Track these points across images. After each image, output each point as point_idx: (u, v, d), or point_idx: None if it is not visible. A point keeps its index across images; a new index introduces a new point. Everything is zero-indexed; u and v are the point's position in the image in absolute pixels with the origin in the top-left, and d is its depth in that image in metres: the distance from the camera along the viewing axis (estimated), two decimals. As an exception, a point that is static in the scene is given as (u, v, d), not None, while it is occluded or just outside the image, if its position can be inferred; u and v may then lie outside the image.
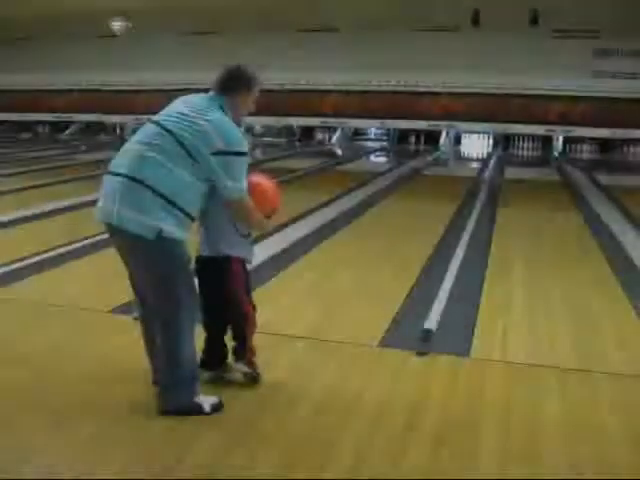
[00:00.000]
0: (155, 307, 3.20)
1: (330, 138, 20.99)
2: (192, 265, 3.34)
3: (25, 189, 10.05)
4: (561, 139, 18.73)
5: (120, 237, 3.16)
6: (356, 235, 7.56)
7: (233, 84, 3.30)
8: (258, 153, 19.59)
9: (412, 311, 4.83)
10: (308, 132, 21.52)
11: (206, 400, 3.21)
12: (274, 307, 4.78)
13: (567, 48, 17.37)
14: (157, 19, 17.58)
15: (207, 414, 3.16)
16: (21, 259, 5.88)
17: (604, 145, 18.75)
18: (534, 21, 16.06)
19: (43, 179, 10.65)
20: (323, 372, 3.78)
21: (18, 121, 23.01)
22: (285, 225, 7.76)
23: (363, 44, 18.78)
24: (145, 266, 3.20)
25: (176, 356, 3.16)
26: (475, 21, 16.14)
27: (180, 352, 3.16)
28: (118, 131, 21.79)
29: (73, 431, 3.05)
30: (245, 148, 3.19)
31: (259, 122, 21.47)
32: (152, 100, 21.17)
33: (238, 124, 3.28)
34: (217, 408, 3.21)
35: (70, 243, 6.41)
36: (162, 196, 3.05)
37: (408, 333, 4.35)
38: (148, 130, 3.19)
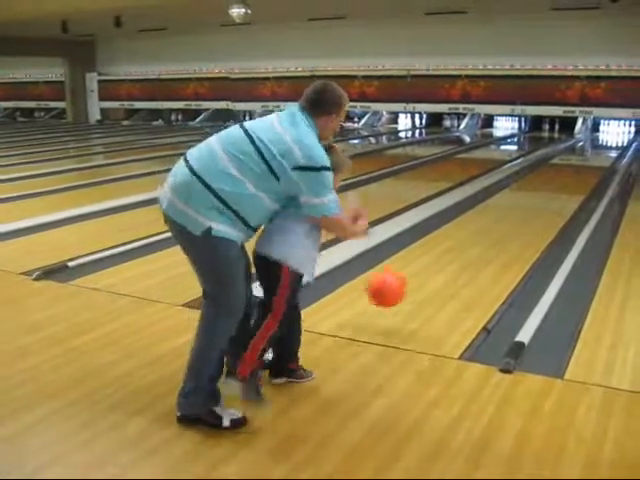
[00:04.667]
0: (206, 301, 3.09)
1: (459, 125, 20.29)
2: (248, 269, 3.15)
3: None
4: None
5: (169, 224, 3.04)
6: (463, 230, 7.03)
7: (324, 106, 3.12)
8: (384, 139, 19.39)
9: (507, 319, 4.34)
10: (436, 119, 20.94)
11: (227, 413, 2.99)
12: (351, 309, 4.46)
13: None
14: (281, 5, 17.49)
15: (225, 428, 2.94)
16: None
17: None
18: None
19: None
20: (388, 386, 3.40)
21: (150, 109, 23.89)
22: (394, 215, 7.46)
23: (493, 27, 17.88)
24: (193, 259, 3.07)
25: (203, 361, 3.01)
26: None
27: (209, 358, 3.01)
28: (247, 118, 22.08)
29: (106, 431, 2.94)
30: (327, 162, 3.01)
31: (386, 108, 21.17)
32: (278, 87, 21.66)
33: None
34: (238, 424, 2.97)
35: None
36: (223, 201, 2.91)
37: (497, 345, 3.87)
38: (234, 135, 3.04)
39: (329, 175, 3.02)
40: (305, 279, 3.20)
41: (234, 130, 3.07)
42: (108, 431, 2.97)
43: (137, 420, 3.05)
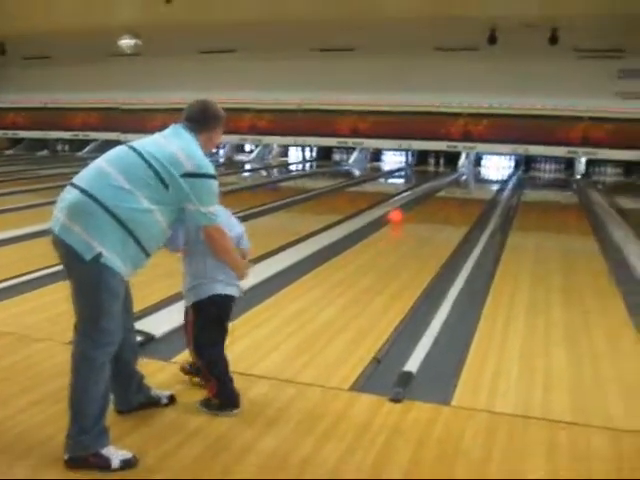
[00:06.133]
0: (77, 334, 2.98)
1: (348, 158, 20.72)
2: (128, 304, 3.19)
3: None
4: (584, 161, 18.19)
5: (59, 248, 2.96)
6: (353, 262, 7.15)
7: (207, 121, 3.29)
8: (275, 172, 19.52)
9: (396, 350, 4.42)
10: (326, 152, 21.33)
11: (116, 454, 2.90)
12: (241, 344, 4.43)
13: (589, 68, 16.89)
14: (172, 37, 17.44)
15: (115, 470, 2.85)
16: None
17: (628, 168, 18.10)
18: (554, 40, 15.63)
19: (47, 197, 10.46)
20: (280, 421, 3.38)
21: (36, 138, 23.13)
22: (284, 248, 7.50)
23: (381, 64, 18.46)
24: (75, 284, 2.99)
25: (83, 399, 2.91)
26: (492, 40, 15.80)
27: (89, 396, 2.91)
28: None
29: None
30: (213, 171, 3.13)
31: (276, 142, 21.36)
32: (169, 119, 21.30)
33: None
34: (129, 464, 2.89)
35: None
36: (117, 219, 2.88)
37: (386, 375, 3.94)
38: (119, 151, 3.10)
39: (216, 184, 3.13)
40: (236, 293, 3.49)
41: (119, 148, 3.12)
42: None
43: (22, 465, 2.90)
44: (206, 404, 3.44)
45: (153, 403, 3.45)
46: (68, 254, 2.91)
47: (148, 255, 3.07)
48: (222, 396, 3.42)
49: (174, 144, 3.07)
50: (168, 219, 3.08)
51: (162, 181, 2.97)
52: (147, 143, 3.11)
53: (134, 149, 3.05)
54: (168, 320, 4.70)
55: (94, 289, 2.91)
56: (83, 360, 2.93)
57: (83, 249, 2.86)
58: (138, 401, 3.40)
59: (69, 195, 2.96)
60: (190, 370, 3.73)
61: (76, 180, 3.01)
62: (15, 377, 3.85)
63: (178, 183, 2.98)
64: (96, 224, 2.87)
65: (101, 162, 3.04)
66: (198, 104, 3.31)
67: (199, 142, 3.19)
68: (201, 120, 3.25)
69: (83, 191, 2.92)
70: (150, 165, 2.97)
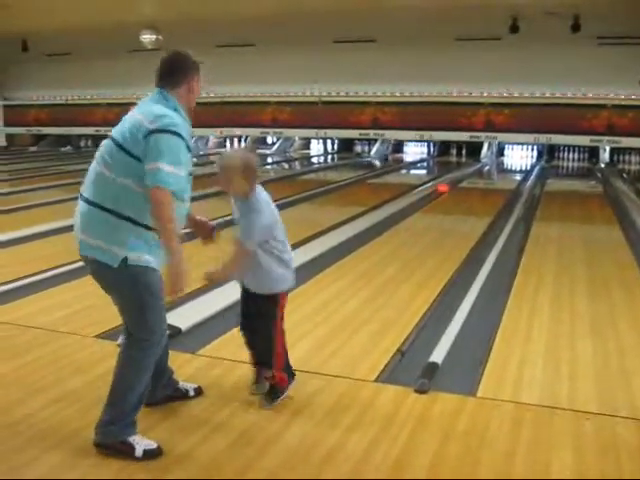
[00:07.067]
0: (128, 337, 3.05)
1: (369, 150, 20.68)
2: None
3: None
4: (608, 150, 18.01)
5: (87, 264, 3.04)
6: (376, 253, 7.16)
7: (180, 71, 3.09)
8: (296, 165, 19.53)
9: (421, 341, 4.43)
10: (347, 144, 21.31)
11: (141, 443, 2.95)
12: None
13: (612, 55, 16.67)
14: (191, 32, 17.45)
15: (137, 458, 2.90)
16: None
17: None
18: (576, 28, 15.43)
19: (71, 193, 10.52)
20: (306, 412, 3.40)
21: (59, 134, 23.32)
22: (307, 240, 7.51)
23: (401, 55, 18.37)
24: (114, 293, 3.06)
25: (126, 393, 2.97)
26: (514, 29, 15.65)
27: (132, 389, 2.98)
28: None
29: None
30: (178, 129, 2.89)
31: (298, 134, 21.35)
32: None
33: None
34: (152, 454, 2.93)
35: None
36: (120, 215, 2.90)
37: (412, 367, 3.95)
38: (102, 146, 3.06)
39: (175, 141, 2.88)
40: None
41: (102, 143, 3.06)
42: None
43: (53, 454, 2.94)
44: (270, 398, 3.45)
45: (180, 396, 3.49)
46: (99, 269, 2.96)
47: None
48: (287, 370, 3.51)
49: (138, 112, 2.97)
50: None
51: (136, 157, 2.87)
52: (121, 122, 3.02)
53: (111, 137, 3.00)
54: (194, 314, 4.75)
55: (133, 291, 2.95)
56: (132, 361, 3.00)
57: (107, 259, 2.90)
58: (166, 394, 3.44)
59: (79, 208, 3.01)
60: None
61: (82, 189, 3.04)
62: (38, 372, 3.89)
63: (143, 146, 2.85)
64: (107, 230, 2.90)
65: (94, 163, 3.04)
66: (167, 57, 3.12)
67: (180, 97, 3.04)
68: (174, 71, 3.07)
69: (86, 201, 2.97)
70: (121, 147, 2.90)
